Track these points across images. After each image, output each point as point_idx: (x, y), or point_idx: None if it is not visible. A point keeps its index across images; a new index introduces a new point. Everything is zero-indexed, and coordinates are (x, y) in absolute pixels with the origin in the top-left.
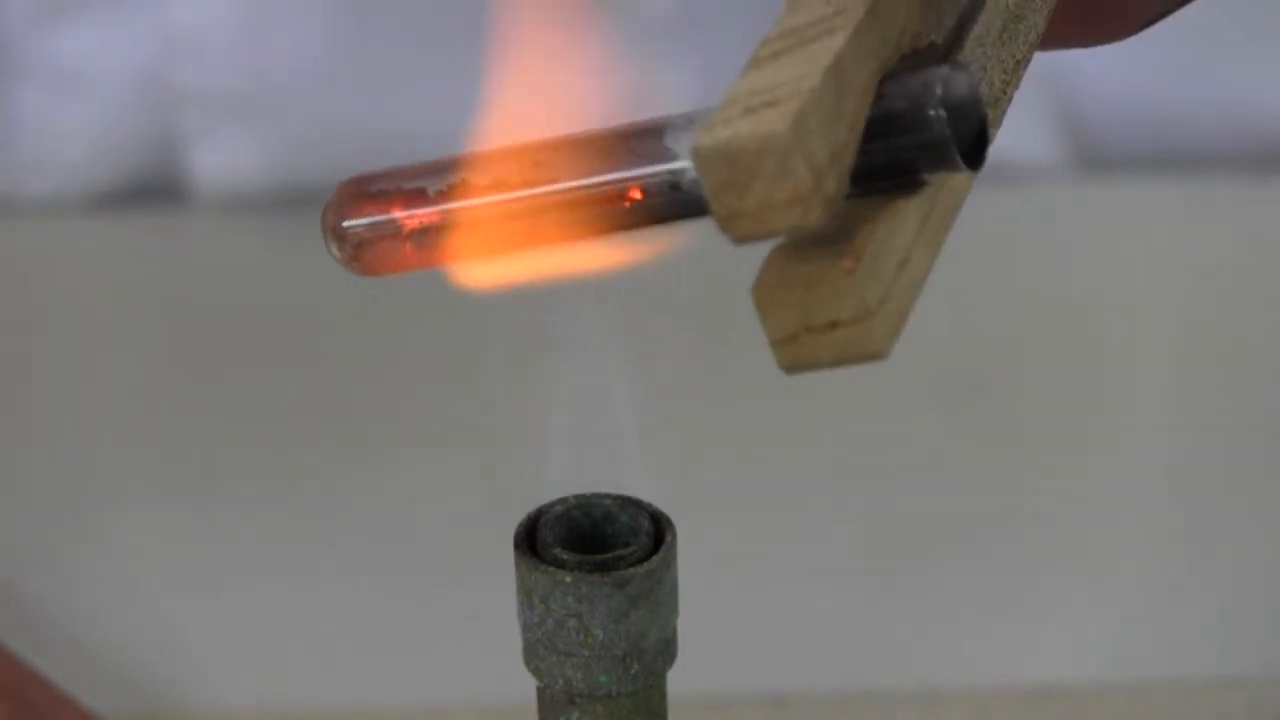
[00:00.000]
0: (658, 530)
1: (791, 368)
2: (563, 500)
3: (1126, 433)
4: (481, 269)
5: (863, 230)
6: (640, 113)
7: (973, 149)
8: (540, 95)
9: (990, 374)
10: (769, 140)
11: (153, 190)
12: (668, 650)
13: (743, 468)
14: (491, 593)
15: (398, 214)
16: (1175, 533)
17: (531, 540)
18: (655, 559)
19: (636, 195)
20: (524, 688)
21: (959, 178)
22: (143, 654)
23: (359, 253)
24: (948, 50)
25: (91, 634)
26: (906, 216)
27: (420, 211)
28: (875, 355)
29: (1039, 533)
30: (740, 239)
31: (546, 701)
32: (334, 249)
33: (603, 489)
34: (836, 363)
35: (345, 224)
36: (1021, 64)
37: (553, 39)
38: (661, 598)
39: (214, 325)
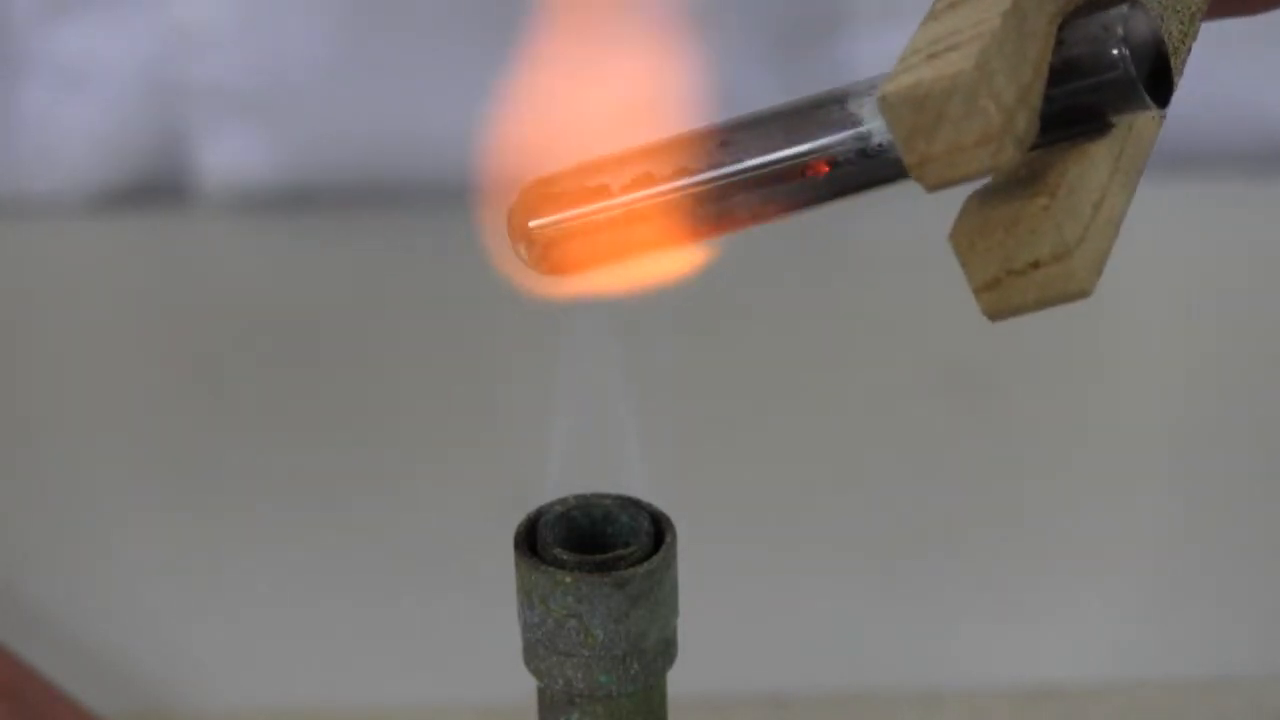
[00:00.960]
0: (658, 530)
1: (996, 314)
2: (563, 500)
3: (1127, 432)
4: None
5: (1055, 170)
6: (658, 108)
7: (1158, 85)
8: (551, 95)
9: (990, 374)
10: (956, 80)
11: (158, 188)
12: (668, 650)
13: (743, 468)
14: (491, 593)
15: (585, 210)
16: (1175, 533)
17: (531, 540)
18: (655, 559)
19: (825, 166)
20: (524, 688)
21: (1145, 118)
22: (143, 654)
23: (548, 252)
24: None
25: (91, 634)
26: (1098, 158)
27: (607, 205)
28: (1078, 293)
29: (1039, 532)
30: (933, 185)
31: (546, 701)
32: (522, 251)
33: (603, 489)
34: (1040, 304)
35: (532, 224)
36: (1197, 14)
37: (567, 36)
38: (661, 598)
39: (216, 323)
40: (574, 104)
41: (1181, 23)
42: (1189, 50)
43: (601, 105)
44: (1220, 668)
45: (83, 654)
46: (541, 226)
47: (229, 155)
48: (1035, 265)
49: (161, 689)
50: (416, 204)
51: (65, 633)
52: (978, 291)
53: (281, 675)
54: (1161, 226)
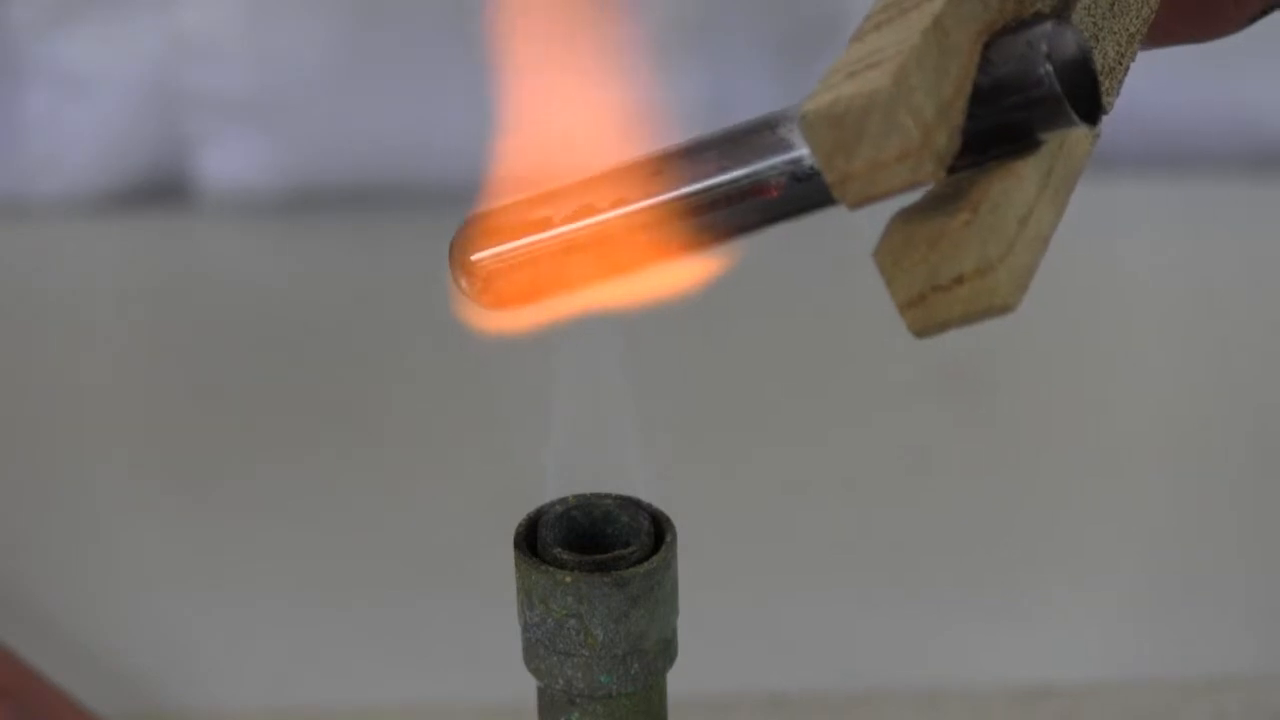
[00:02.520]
0: (658, 530)
1: (922, 330)
2: (563, 500)
3: (1126, 432)
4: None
5: (978, 187)
6: (652, 119)
7: (1087, 103)
8: (551, 102)
9: (990, 374)
10: (874, 96)
11: (160, 193)
12: (668, 650)
13: (742, 468)
14: (491, 593)
15: (526, 242)
16: (1173, 533)
17: (531, 540)
18: (655, 559)
19: (759, 191)
20: (524, 688)
21: (1076, 135)
22: (143, 654)
23: (489, 285)
24: (1054, 17)
25: (91, 634)
26: (1024, 174)
27: (546, 236)
28: (1002, 308)
29: (1038, 532)
30: (855, 203)
31: (546, 701)
32: (464, 283)
33: (603, 489)
34: (965, 320)
35: (474, 257)
36: (1136, 36)
37: (562, 46)
38: (661, 598)
39: (218, 326)
40: (575, 111)
41: (1119, 44)
42: (1126, 70)
43: (602, 113)
44: (1220, 668)
45: (83, 654)
46: (482, 259)
47: (231, 160)
48: (959, 280)
49: (161, 689)
50: (417, 208)
51: (65, 633)
52: (902, 308)
53: (281, 675)
54: (1161, 226)
